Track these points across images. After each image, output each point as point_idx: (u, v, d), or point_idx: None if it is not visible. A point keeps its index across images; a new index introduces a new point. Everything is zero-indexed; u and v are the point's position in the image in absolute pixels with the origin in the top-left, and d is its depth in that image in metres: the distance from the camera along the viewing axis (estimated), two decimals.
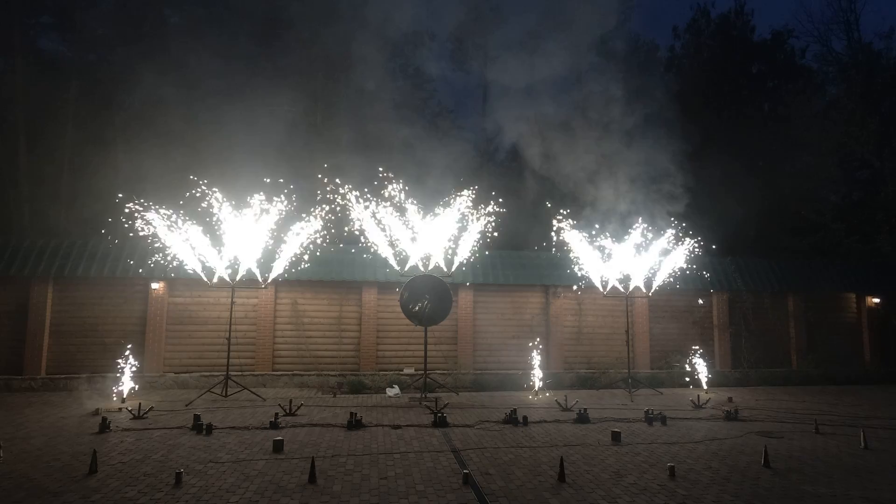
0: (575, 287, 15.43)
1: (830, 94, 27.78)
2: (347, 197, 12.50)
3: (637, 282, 14.23)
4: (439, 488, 5.87)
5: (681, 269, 14.55)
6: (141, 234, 11.64)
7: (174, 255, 11.92)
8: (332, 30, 21.35)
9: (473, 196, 12.89)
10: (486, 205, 13.01)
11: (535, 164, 19.86)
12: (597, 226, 14.66)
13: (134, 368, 11.93)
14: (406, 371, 14.84)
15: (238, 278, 12.39)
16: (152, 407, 10.39)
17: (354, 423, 8.99)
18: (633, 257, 14.02)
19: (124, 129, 21.47)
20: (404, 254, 13.06)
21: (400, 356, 15.19)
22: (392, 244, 12.97)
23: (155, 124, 20.33)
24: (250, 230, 12.00)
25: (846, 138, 22.62)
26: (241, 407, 10.98)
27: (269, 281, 12.92)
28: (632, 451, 7.62)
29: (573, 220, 14.19)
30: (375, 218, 12.67)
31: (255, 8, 22.57)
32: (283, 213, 12.20)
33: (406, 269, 13.07)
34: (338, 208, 12.57)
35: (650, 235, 14.16)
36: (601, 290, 14.36)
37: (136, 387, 12.25)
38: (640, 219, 14.41)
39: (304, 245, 12.71)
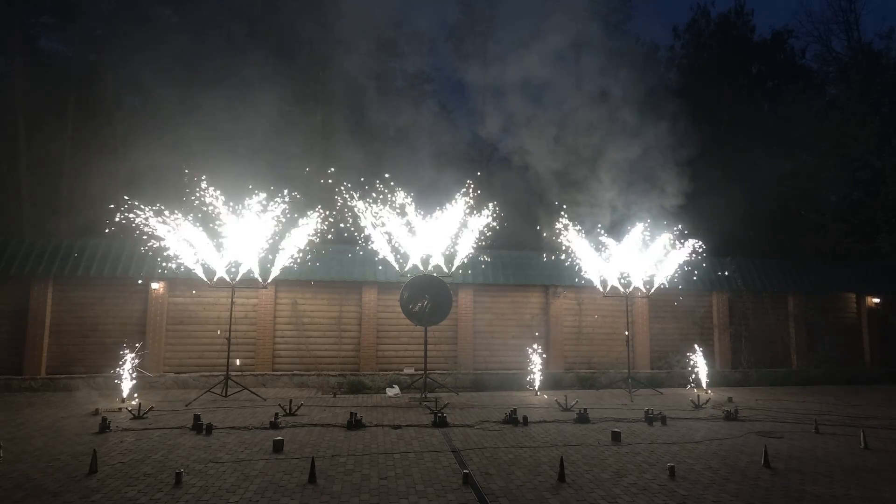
0: (576, 282, 15.43)
1: (830, 94, 27.79)
2: (347, 197, 12.51)
3: (637, 282, 14.23)
4: (439, 488, 5.87)
5: (681, 269, 14.55)
6: (141, 234, 11.64)
7: (174, 255, 11.92)
8: (331, 30, 21.37)
9: (473, 196, 12.89)
10: (486, 204, 13.02)
11: (534, 163, 19.86)
12: (598, 227, 14.65)
13: (134, 368, 11.92)
14: (406, 371, 14.84)
15: (238, 278, 12.39)
16: (152, 407, 10.39)
17: (354, 423, 8.99)
18: (633, 257, 14.02)
19: (124, 129, 21.48)
20: (404, 254, 13.06)
21: (400, 356, 15.19)
22: (392, 244, 12.98)
23: (155, 124, 20.34)
24: (250, 230, 12.00)
25: (846, 138, 22.60)
26: (241, 407, 10.98)
27: (269, 281, 12.92)
28: (632, 451, 7.62)
29: (573, 219, 14.20)
30: (376, 218, 12.68)
31: (256, 8, 22.59)
32: (284, 212, 12.20)
33: (406, 269, 13.08)
34: (338, 208, 12.58)
35: (650, 235, 14.16)
36: (601, 290, 14.36)
37: (136, 387, 12.24)
38: (639, 219, 14.41)
39: (305, 245, 12.71)
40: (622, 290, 14.24)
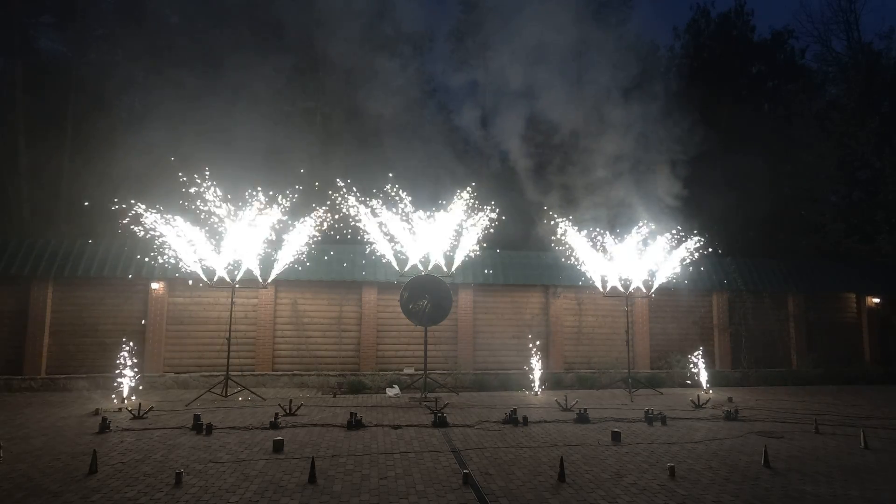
0: (576, 282, 15.43)
1: (830, 94, 27.79)
2: (347, 197, 12.51)
3: (637, 282, 14.23)
4: (439, 488, 5.87)
5: (681, 269, 14.55)
6: (141, 234, 11.64)
7: (174, 255, 11.92)
8: (332, 31, 21.36)
9: (473, 196, 12.89)
10: (486, 204, 13.02)
11: (534, 163, 19.86)
12: (598, 228, 14.65)
13: (133, 369, 11.92)
14: (406, 371, 14.84)
15: (238, 278, 12.39)
16: (152, 407, 10.39)
17: (354, 423, 8.99)
18: (633, 257, 14.02)
19: (124, 129, 21.48)
20: (404, 254, 13.06)
21: (400, 356, 15.19)
22: (392, 244, 12.98)
23: (155, 124, 20.33)
24: (250, 230, 12.00)
25: (846, 138, 22.61)
26: (241, 407, 10.98)
27: (269, 281, 12.92)
28: (632, 451, 7.62)
29: (573, 219, 14.20)
30: (376, 218, 12.68)
31: (256, 8, 22.58)
32: (284, 212, 12.20)
33: (406, 269, 13.08)
34: (337, 208, 12.58)
35: (650, 235, 14.16)
36: (601, 290, 14.36)
37: (137, 387, 12.23)
38: (640, 219, 14.42)
39: (305, 245, 12.71)
40: (622, 290, 14.24)
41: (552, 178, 19.73)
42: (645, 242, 14.12)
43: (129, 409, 10.19)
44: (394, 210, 12.73)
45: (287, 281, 14.40)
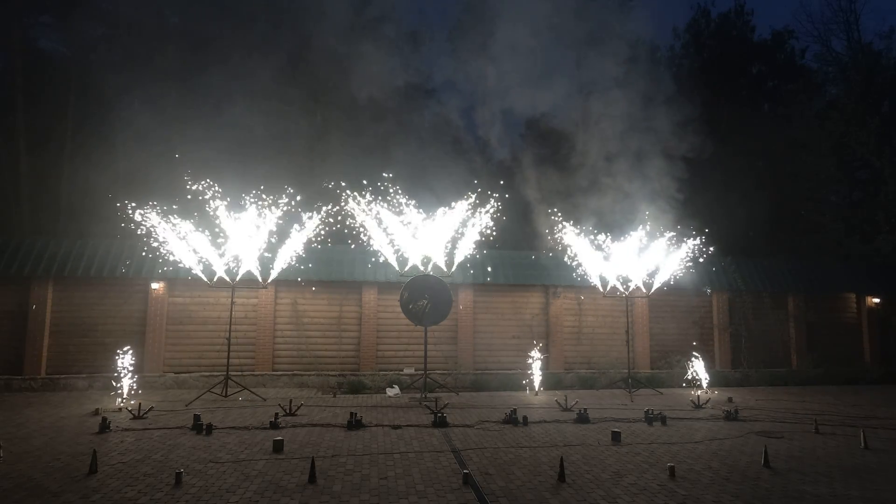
0: (576, 282, 15.44)
1: (830, 94, 27.78)
2: (347, 196, 12.51)
3: (637, 282, 14.23)
4: (439, 488, 5.87)
5: (681, 269, 14.55)
6: (141, 234, 11.64)
7: (174, 255, 11.92)
8: (332, 32, 21.36)
9: (473, 195, 12.89)
10: (486, 204, 13.02)
11: (534, 163, 19.86)
12: (598, 228, 14.65)
13: (134, 369, 11.92)
14: (406, 371, 14.84)
15: (238, 278, 12.39)
16: (152, 407, 10.39)
17: (354, 423, 8.99)
18: (633, 257, 14.02)
19: (124, 129, 21.47)
20: (404, 254, 13.06)
21: (400, 356, 15.19)
22: (392, 244, 12.98)
23: (155, 124, 20.33)
24: (250, 230, 12.00)
25: (846, 138, 22.61)
26: (241, 407, 10.98)
27: (269, 281, 12.92)
28: (632, 451, 7.62)
29: (573, 220, 14.20)
30: (376, 218, 12.68)
31: (256, 8, 22.59)
32: (284, 212, 12.20)
33: (406, 269, 13.08)
34: (339, 208, 12.58)
35: (650, 235, 14.16)
36: (601, 290, 14.36)
37: (136, 387, 12.24)
38: (639, 219, 14.41)
39: (305, 245, 12.71)
40: (622, 290, 14.24)
41: (552, 178, 19.72)
42: (645, 242, 14.11)
43: (129, 409, 10.19)
44: (394, 210, 12.74)
45: (287, 281, 14.40)
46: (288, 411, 10.07)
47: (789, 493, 5.86)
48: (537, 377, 13.27)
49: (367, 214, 12.62)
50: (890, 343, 18.00)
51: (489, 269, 15.73)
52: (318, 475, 6.19)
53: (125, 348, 11.67)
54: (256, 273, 12.48)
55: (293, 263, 13.00)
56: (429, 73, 27.45)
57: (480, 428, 9.13)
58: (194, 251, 11.94)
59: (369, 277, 15.09)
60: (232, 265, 12.33)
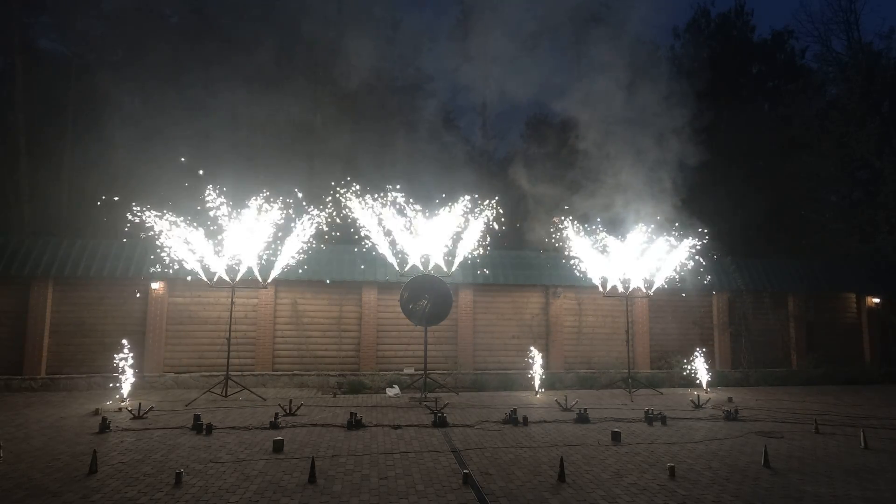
0: (576, 282, 15.44)
1: (830, 94, 27.76)
2: (348, 196, 12.51)
3: (637, 282, 14.23)
4: (439, 488, 5.87)
5: (681, 269, 14.55)
6: (141, 234, 11.64)
7: (174, 255, 11.91)
8: (332, 31, 21.36)
9: (473, 195, 12.89)
10: (486, 204, 13.02)
11: (534, 162, 19.86)
12: (598, 228, 14.64)
13: (133, 368, 11.92)
14: (406, 371, 14.84)
15: (238, 278, 12.39)
16: (152, 407, 10.39)
17: (354, 423, 8.99)
18: (633, 257, 14.02)
19: (124, 129, 21.48)
20: (404, 254, 13.06)
21: (400, 356, 15.19)
22: (392, 244, 12.98)
23: (155, 124, 20.34)
24: (251, 230, 11.99)
25: (846, 138, 22.60)
26: (241, 407, 10.98)
27: (269, 281, 12.92)
28: (632, 451, 7.62)
29: (573, 219, 14.19)
30: (376, 218, 12.68)
31: (257, 8, 22.59)
32: (284, 212, 12.20)
33: (406, 269, 13.08)
34: (338, 208, 12.58)
35: (650, 235, 14.16)
36: (601, 290, 14.36)
37: (137, 387, 12.24)
38: (639, 219, 14.41)
39: (304, 245, 12.71)
40: (622, 290, 14.24)
41: (552, 178, 19.72)
42: (645, 243, 14.11)
43: (129, 409, 10.19)
44: (394, 209, 12.73)
45: (287, 281, 14.40)
46: (288, 411, 10.07)
47: (789, 493, 5.87)
48: (537, 377, 13.27)
49: (367, 211, 12.60)
50: (890, 343, 18.00)
51: (489, 269, 15.73)
52: (318, 475, 6.19)
53: (125, 348, 11.68)
54: (256, 273, 12.48)
55: (293, 263, 12.99)
56: (429, 74, 27.49)
57: (480, 428, 9.13)
58: (194, 251, 11.93)
59: (369, 277, 15.09)
60: (232, 265, 12.33)
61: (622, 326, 15.19)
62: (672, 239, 14.16)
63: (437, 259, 13.09)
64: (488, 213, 12.99)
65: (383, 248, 12.93)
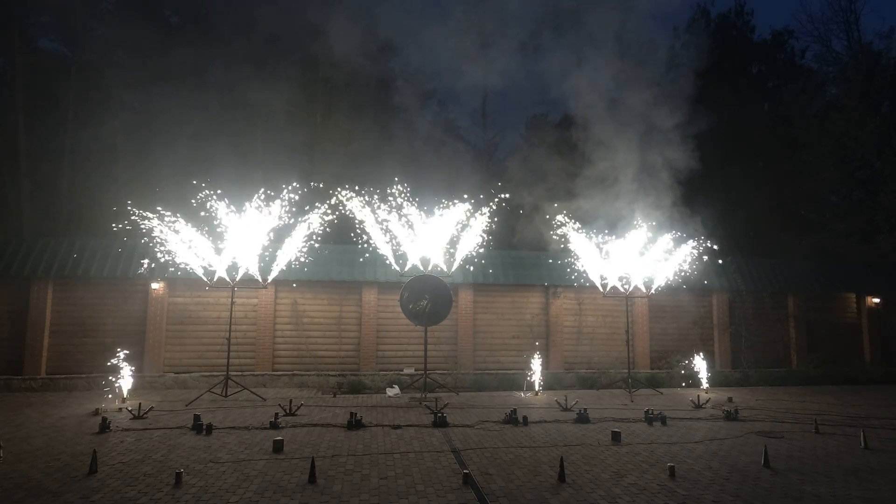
0: (576, 282, 15.44)
1: (830, 94, 27.76)
2: (348, 196, 12.51)
3: (637, 282, 14.23)
4: (439, 488, 5.87)
5: (681, 269, 14.55)
6: (141, 235, 11.64)
7: (174, 255, 11.91)
8: (332, 32, 21.35)
9: (473, 195, 12.89)
10: (486, 204, 13.02)
11: (535, 162, 19.86)
12: (598, 228, 14.64)
13: (133, 368, 11.92)
14: (406, 371, 14.84)
15: (238, 278, 12.39)
16: (152, 407, 10.39)
17: (354, 423, 8.99)
18: (633, 257, 14.02)
19: (124, 129, 21.48)
20: (404, 254, 13.06)
21: (400, 356, 15.19)
22: (392, 244, 12.98)
23: (155, 124, 20.33)
24: (250, 230, 11.99)
25: (846, 138, 22.60)
26: (241, 407, 10.98)
27: (269, 281, 12.91)
28: (632, 451, 7.62)
29: (573, 220, 14.19)
30: (376, 218, 12.68)
31: (257, 8, 22.58)
32: (284, 212, 12.19)
33: (406, 269, 13.08)
34: (338, 208, 12.58)
35: (650, 236, 14.15)
36: (601, 290, 14.36)
37: (137, 387, 12.24)
38: (639, 219, 14.40)
39: (305, 245, 12.71)
40: (622, 290, 14.24)
41: (552, 177, 19.71)
42: (645, 243, 14.11)
43: (129, 409, 10.18)
44: (394, 210, 12.73)
45: (287, 281, 14.40)
46: (288, 411, 10.07)
47: (789, 493, 5.87)
48: (537, 377, 13.27)
49: (367, 211, 12.60)
50: (890, 343, 18.00)
51: (489, 269, 15.73)
52: (318, 475, 6.19)
53: (125, 348, 11.67)
54: (256, 273, 12.48)
55: (293, 263, 12.99)
56: (430, 73, 27.46)
57: (480, 428, 9.13)
58: (195, 251, 11.93)
59: (369, 277, 15.08)
60: (232, 265, 12.33)
61: (622, 326, 15.19)
62: (672, 239, 14.15)
63: (437, 259, 13.09)
64: (488, 213, 12.99)
65: (383, 248, 12.93)
